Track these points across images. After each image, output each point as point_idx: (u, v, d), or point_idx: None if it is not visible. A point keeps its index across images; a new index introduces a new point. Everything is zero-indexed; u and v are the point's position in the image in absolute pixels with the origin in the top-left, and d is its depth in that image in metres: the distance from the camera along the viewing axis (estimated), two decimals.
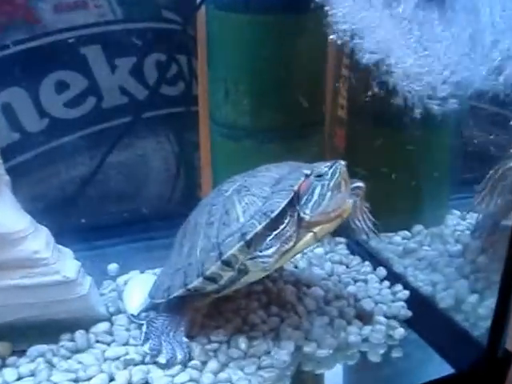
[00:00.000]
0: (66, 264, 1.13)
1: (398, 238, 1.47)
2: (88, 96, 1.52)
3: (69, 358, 1.10)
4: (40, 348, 1.11)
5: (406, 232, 1.48)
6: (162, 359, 1.08)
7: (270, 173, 1.11)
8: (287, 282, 1.29)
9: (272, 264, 1.03)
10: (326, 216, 1.05)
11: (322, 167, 1.04)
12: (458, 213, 1.53)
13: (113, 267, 1.38)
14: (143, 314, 1.19)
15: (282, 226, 1.04)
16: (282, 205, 1.03)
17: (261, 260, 1.02)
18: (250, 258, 1.03)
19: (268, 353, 1.13)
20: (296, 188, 1.04)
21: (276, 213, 1.02)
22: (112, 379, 1.07)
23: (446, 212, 1.53)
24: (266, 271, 1.08)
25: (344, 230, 1.43)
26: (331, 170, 1.03)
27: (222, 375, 1.08)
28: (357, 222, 1.17)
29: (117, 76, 1.54)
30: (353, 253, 1.43)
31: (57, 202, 1.54)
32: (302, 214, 1.04)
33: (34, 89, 1.46)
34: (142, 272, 1.35)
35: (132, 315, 1.18)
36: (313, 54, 1.41)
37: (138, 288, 1.23)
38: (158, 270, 1.32)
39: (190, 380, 1.07)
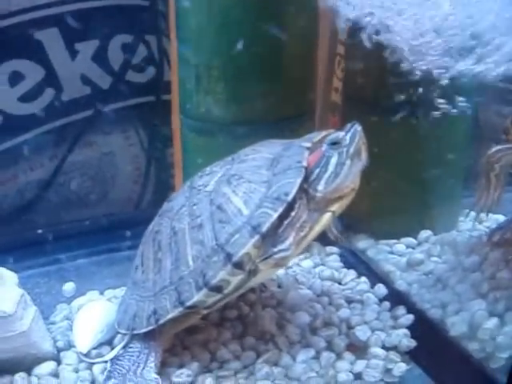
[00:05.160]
0: (5, 295, 0.99)
1: (401, 246, 1.27)
2: (46, 88, 1.35)
3: None
4: None
5: (411, 239, 1.28)
6: None
7: (261, 154, 0.96)
8: (267, 305, 1.10)
9: (290, 258, 0.93)
10: (340, 190, 0.93)
11: (338, 133, 0.92)
12: (474, 214, 1.25)
13: (69, 287, 1.22)
14: (94, 352, 1.01)
15: (293, 213, 0.91)
16: (297, 184, 0.89)
17: (278, 256, 0.90)
18: (265, 258, 0.90)
19: None
20: (305, 163, 0.90)
21: (293, 194, 0.89)
22: None
23: (459, 214, 1.32)
24: (278, 268, 0.97)
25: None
26: (349, 135, 0.92)
27: None
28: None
29: (77, 63, 1.36)
30: (347, 265, 1.24)
31: (11, 209, 1.37)
32: (312, 192, 0.92)
33: None
34: (102, 293, 1.19)
35: (81, 353, 1.00)
36: (300, 30, 1.21)
37: (89, 319, 1.05)
38: (119, 291, 1.15)
39: None
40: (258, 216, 0.90)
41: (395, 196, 1.26)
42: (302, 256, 1.26)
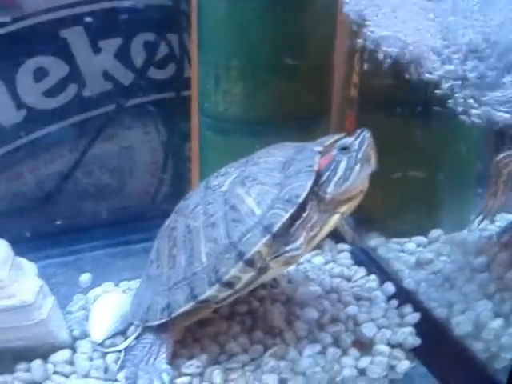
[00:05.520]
0: (25, 285, 1.02)
1: (411, 244, 1.29)
2: (69, 83, 1.38)
3: None
4: None
5: (422, 238, 1.29)
6: None
7: (274, 157, 0.99)
8: (276, 301, 1.12)
9: (300, 257, 0.97)
10: (349, 193, 0.96)
11: (347, 139, 0.95)
12: (480, 218, 1.27)
13: (85, 278, 1.25)
14: (108, 342, 1.05)
15: (304, 214, 0.94)
16: (308, 187, 0.92)
17: (288, 255, 0.92)
18: (276, 256, 0.93)
19: None
20: (316, 167, 0.93)
21: (303, 197, 0.92)
22: None
23: (471, 213, 1.30)
24: (288, 266, 1.01)
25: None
26: (358, 141, 0.94)
27: None
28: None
29: (100, 60, 1.39)
30: (358, 263, 1.26)
31: (31, 200, 1.41)
32: (322, 194, 0.95)
33: (10, 77, 1.33)
34: (117, 284, 1.22)
35: (96, 343, 1.04)
36: (317, 32, 1.22)
37: (104, 310, 1.08)
38: (133, 283, 1.19)
39: None
40: (270, 216, 0.92)
41: (407, 195, 1.26)
42: (313, 253, 1.28)
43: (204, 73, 1.26)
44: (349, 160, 0.94)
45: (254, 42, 1.19)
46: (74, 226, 1.42)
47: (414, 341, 1.06)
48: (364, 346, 1.06)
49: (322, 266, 1.25)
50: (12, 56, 1.31)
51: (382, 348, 1.04)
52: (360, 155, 0.94)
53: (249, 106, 1.23)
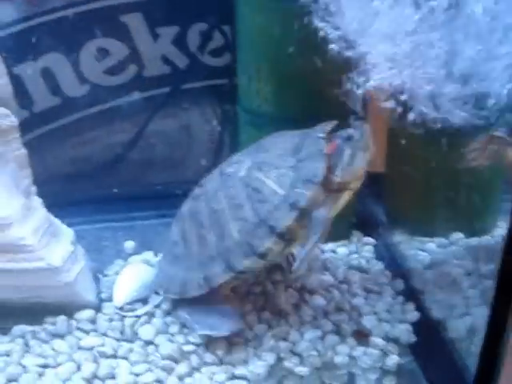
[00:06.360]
0: (55, 250, 1.13)
1: (432, 244, 1.32)
2: (129, 64, 1.49)
3: (46, 342, 1.10)
4: (23, 328, 1.12)
5: (444, 239, 1.33)
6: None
7: (282, 144, 1.11)
8: (289, 286, 1.20)
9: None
10: (355, 175, 1.07)
11: (350, 130, 1.06)
12: None
13: (129, 245, 1.35)
14: (128, 307, 1.16)
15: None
16: (324, 167, 1.04)
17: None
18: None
19: (245, 362, 1.07)
20: (326, 151, 1.06)
21: (321, 177, 1.03)
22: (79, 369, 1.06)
23: (497, 219, 1.35)
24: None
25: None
26: (359, 132, 1.06)
27: (188, 380, 1.04)
28: None
29: (158, 45, 1.49)
30: (378, 257, 1.32)
31: (92, 168, 1.53)
32: (330, 176, 1.05)
33: (74, 55, 1.45)
34: (156, 254, 1.31)
35: (116, 306, 1.16)
36: None
37: (129, 278, 1.19)
38: None
39: (156, 381, 1.04)
40: (294, 195, 1.03)
41: (436, 196, 1.30)
42: (340, 243, 1.35)
43: (241, 68, 1.35)
44: (352, 148, 1.05)
45: (285, 44, 1.24)
46: (130, 194, 1.52)
47: (410, 338, 1.12)
48: (363, 336, 1.12)
49: (344, 256, 1.32)
50: (76, 36, 1.42)
51: (378, 340, 1.10)
52: (362, 144, 1.05)
53: (280, 104, 1.30)
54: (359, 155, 1.06)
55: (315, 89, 1.23)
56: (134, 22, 1.44)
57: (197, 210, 1.13)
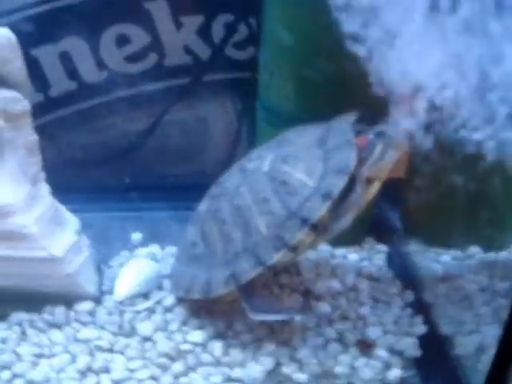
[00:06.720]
0: (58, 240, 1.11)
1: (447, 257, 1.28)
2: (149, 52, 1.46)
3: (43, 331, 1.09)
4: (21, 316, 1.10)
5: (459, 252, 1.29)
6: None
7: (306, 137, 1.09)
8: (295, 291, 1.17)
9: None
10: (382, 171, 1.06)
11: (383, 126, 1.04)
12: None
13: (136, 237, 1.33)
14: (128, 301, 1.13)
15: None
16: (355, 158, 1.03)
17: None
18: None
19: (243, 365, 1.04)
20: (358, 143, 1.05)
21: (352, 167, 1.02)
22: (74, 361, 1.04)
23: None
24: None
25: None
26: (392, 130, 1.04)
27: (183, 379, 1.02)
28: None
29: (181, 34, 1.46)
30: (391, 265, 1.27)
31: (105, 156, 1.52)
32: (359, 169, 1.04)
33: (94, 41, 1.43)
34: (163, 248, 1.29)
35: (116, 300, 1.13)
36: None
37: (131, 272, 1.17)
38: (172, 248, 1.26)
39: (150, 378, 1.02)
40: (326, 186, 1.02)
41: (455, 208, 1.26)
42: (351, 249, 1.32)
43: (263, 64, 1.31)
44: (384, 145, 1.04)
45: (311, 41, 1.21)
46: (142, 184, 1.49)
47: (415, 351, 1.08)
48: (367, 347, 1.09)
49: (355, 263, 1.28)
50: (97, 21, 1.40)
51: (381, 352, 1.07)
52: (392, 143, 1.04)
53: (301, 104, 1.26)
54: (390, 152, 1.05)
55: (341, 91, 1.19)
56: (158, 9, 1.42)
57: (217, 208, 1.10)
